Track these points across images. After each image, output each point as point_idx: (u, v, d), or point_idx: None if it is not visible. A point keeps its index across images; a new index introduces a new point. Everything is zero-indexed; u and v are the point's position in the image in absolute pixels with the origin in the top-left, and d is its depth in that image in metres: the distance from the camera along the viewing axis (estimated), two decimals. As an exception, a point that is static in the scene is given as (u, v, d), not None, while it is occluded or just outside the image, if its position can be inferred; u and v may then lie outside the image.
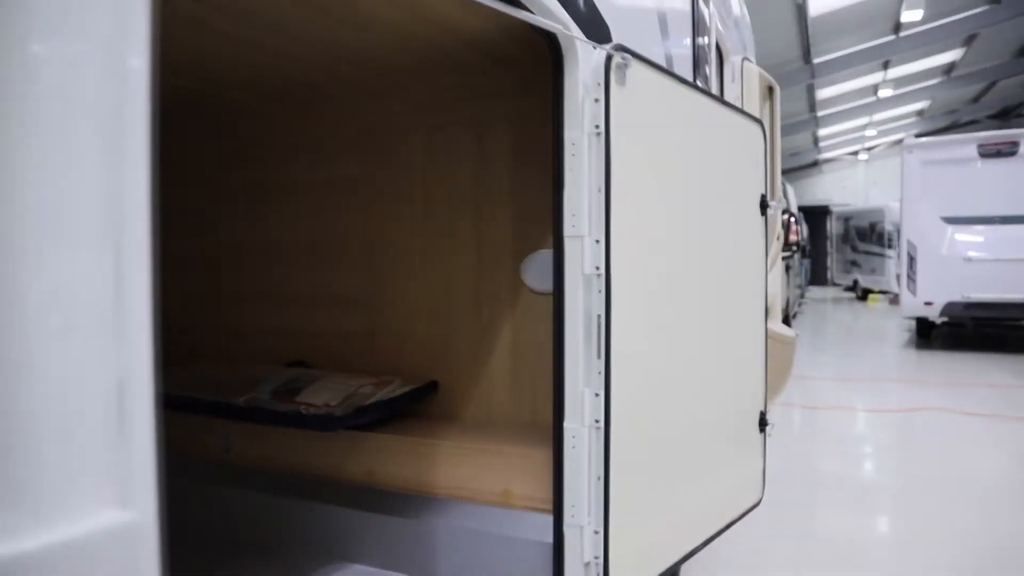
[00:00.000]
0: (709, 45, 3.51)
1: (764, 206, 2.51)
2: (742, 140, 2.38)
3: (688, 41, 2.93)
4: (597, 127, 1.67)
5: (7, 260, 0.61)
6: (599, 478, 1.69)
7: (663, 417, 1.94)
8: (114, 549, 0.65)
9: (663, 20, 2.53)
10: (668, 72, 1.98)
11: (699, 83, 3.17)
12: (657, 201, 1.92)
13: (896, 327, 13.59)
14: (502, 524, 1.96)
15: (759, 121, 2.51)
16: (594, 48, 1.70)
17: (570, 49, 1.65)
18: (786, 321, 12.04)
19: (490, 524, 1.98)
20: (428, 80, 2.46)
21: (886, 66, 16.68)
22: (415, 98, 2.58)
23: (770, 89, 4.47)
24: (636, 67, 1.75)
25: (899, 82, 18.25)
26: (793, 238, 7.13)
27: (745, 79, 4.10)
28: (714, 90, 3.56)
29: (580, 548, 1.70)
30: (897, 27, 13.82)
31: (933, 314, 10.41)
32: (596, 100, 1.67)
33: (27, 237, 0.63)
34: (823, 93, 19.09)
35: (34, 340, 0.62)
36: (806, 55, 15.32)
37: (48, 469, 0.62)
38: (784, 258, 7.71)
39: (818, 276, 26.87)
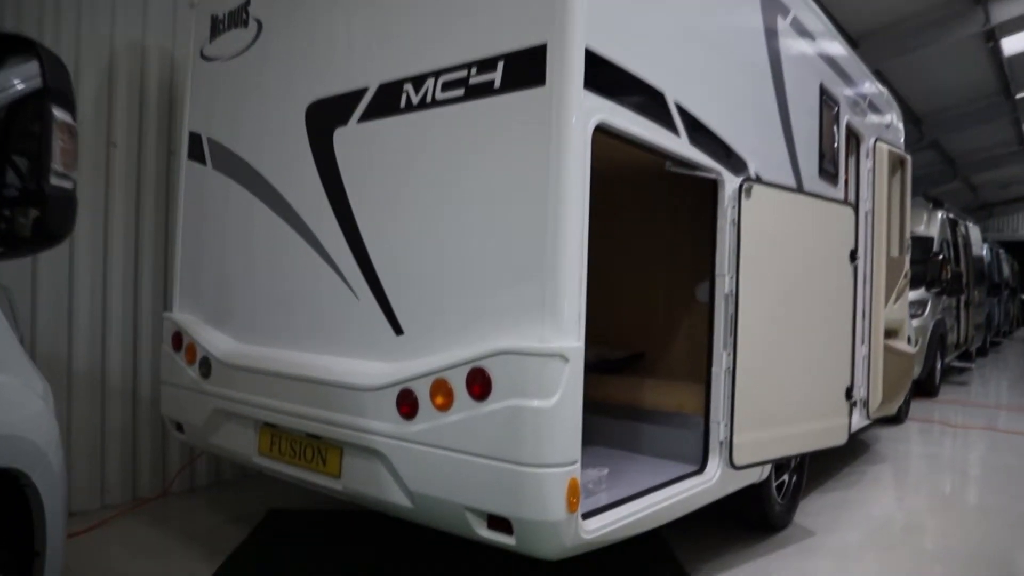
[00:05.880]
0: (839, 138, 4.99)
1: (853, 256, 4.01)
2: (833, 217, 3.92)
3: (815, 145, 4.48)
4: (733, 220, 3.35)
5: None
6: (729, 398, 3.34)
7: (770, 373, 3.54)
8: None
9: (790, 138, 4.12)
10: (778, 185, 3.61)
11: (828, 167, 4.70)
12: (770, 256, 3.54)
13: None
14: (678, 421, 3.69)
15: (848, 203, 4.02)
16: (734, 178, 3.39)
17: (721, 183, 3.36)
18: (966, 355, 12.38)
19: (671, 421, 3.71)
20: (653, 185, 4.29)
21: (1102, 97, 15.96)
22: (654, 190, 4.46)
23: (901, 161, 5.76)
24: (757, 187, 3.42)
25: (1122, 113, 17.18)
26: (945, 276, 8.05)
27: (876, 156, 5.48)
28: (841, 169, 5.01)
29: (718, 433, 3.36)
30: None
31: None
32: (733, 207, 3.35)
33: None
34: (1032, 125, 18.41)
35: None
36: (1006, 90, 15.25)
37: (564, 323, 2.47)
38: (937, 293, 8.59)
39: (1032, 316, 25.10)
